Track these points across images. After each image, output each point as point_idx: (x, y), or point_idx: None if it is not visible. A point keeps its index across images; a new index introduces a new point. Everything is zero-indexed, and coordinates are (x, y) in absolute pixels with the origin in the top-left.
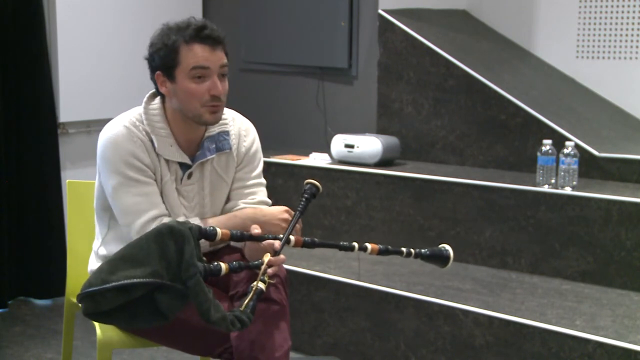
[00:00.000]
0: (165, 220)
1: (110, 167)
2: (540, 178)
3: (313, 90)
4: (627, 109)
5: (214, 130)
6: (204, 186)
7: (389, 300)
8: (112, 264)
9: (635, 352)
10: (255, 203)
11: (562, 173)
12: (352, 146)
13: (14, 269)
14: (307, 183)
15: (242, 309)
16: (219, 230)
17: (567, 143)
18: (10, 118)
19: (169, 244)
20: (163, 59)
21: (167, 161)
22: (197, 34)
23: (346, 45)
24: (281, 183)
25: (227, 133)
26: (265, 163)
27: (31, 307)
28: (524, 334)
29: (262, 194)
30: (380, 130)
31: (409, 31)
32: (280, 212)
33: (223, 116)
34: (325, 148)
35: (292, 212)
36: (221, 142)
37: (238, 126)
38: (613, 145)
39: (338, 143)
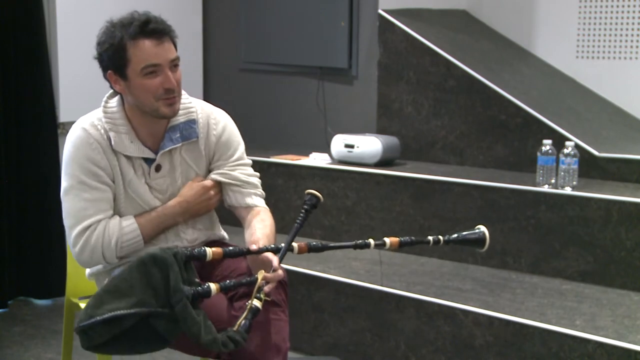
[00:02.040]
0: (110, 223)
1: (67, 170)
2: (540, 178)
3: (313, 90)
4: (627, 109)
5: (178, 119)
6: (175, 177)
7: (389, 300)
8: (97, 298)
9: (635, 352)
10: (240, 182)
11: (562, 173)
12: (352, 146)
13: (14, 269)
14: (308, 193)
15: (235, 328)
16: (208, 251)
17: (567, 143)
18: (10, 118)
19: (154, 272)
20: (111, 58)
21: (128, 158)
22: (142, 29)
23: (346, 45)
24: (281, 183)
25: (193, 122)
26: (265, 163)
27: (31, 307)
28: (524, 334)
29: (240, 172)
30: (380, 130)
31: (409, 31)
32: (200, 193)
33: (190, 105)
34: (325, 148)
35: (213, 185)
36: (187, 131)
37: (207, 115)
38: (613, 145)
39: (338, 143)
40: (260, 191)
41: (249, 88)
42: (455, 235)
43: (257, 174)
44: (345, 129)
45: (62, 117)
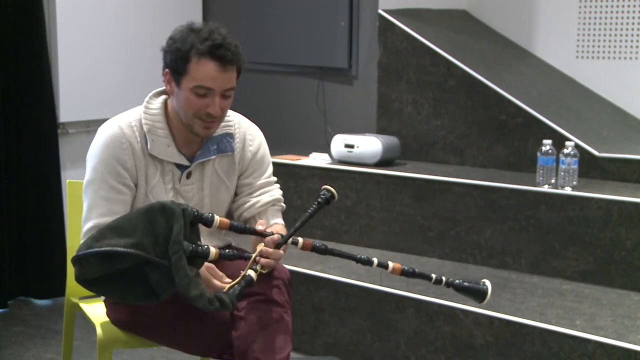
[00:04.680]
0: None
1: (91, 163)
2: (540, 178)
3: (313, 90)
4: (627, 109)
5: (217, 131)
6: (203, 186)
7: (389, 300)
8: (100, 232)
9: (635, 352)
10: (266, 203)
11: (562, 173)
12: (352, 146)
13: (14, 269)
14: (324, 188)
15: (225, 290)
16: (216, 218)
17: (567, 143)
18: (10, 118)
19: (159, 220)
20: (174, 62)
21: (160, 162)
22: (211, 50)
23: (346, 45)
24: (281, 183)
25: (230, 135)
26: None
27: (31, 307)
28: (524, 334)
29: (274, 191)
30: (380, 130)
31: (409, 31)
32: (209, 284)
33: (228, 119)
34: (325, 148)
35: (223, 286)
36: (224, 144)
37: (244, 130)
38: (613, 145)
39: (338, 143)
40: (281, 205)
41: (249, 88)
42: (459, 281)
43: (278, 185)
44: (345, 129)
45: (62, 117)
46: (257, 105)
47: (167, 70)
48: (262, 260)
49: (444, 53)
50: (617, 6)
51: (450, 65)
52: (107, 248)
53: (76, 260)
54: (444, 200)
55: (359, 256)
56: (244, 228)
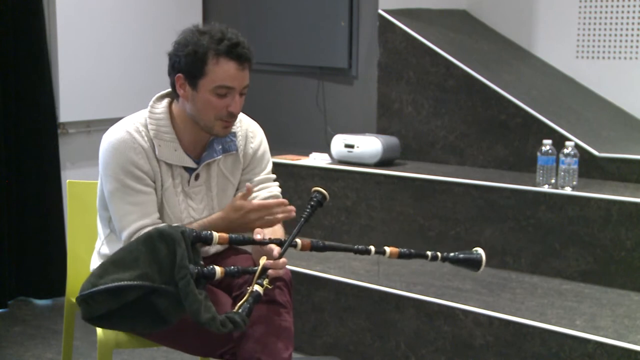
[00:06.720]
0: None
1: (109, 172)
2: (540, 178)
3: (313, 90)
4: (627, 109)
5: None
6: (211, 187)
7: (389, 300)
8: (102, 268)
9: (635, 352)
10: (264, 198)
11: (562, 173)
12: (352, 146)
13: (14, 269)
14: (315, 190)
15: (235, 309)
16: (215, 235)
17: (567, 143)
18: (10, 118)
19: (160, 248)
20: (189, 65)
21: (169, 166)
22: (230, 50)
23: (346, 45)
24: (281, 183)
25: (233, 134)
26: None
27: (31, 307)
28: (524, 334)
29: (272, 188)
30: (380, 130)
31: (409, 31)
32: (241, 215)
33: None
34: (325, 148)
35: (254, 208)
36: (228, 144)
37: (245, 128)
38: (613, 145)
39: (338, 143)
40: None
41: (249, 88)
42: (453, 254)
43: (277, 183)
44: (345, 129)
45: (62, 117)
46: (257, 105)
47: (179, 74)
48: (271, 272)
49: (444, 53)
50: (617, 6)
51: (450, 65)
52: (113, 284)
53: (82, 300)
54: (444, 200)
55: (356, 247)
56: (243, 240)
